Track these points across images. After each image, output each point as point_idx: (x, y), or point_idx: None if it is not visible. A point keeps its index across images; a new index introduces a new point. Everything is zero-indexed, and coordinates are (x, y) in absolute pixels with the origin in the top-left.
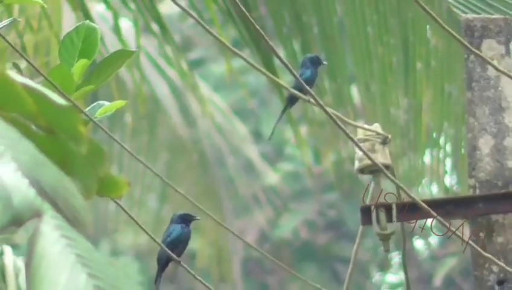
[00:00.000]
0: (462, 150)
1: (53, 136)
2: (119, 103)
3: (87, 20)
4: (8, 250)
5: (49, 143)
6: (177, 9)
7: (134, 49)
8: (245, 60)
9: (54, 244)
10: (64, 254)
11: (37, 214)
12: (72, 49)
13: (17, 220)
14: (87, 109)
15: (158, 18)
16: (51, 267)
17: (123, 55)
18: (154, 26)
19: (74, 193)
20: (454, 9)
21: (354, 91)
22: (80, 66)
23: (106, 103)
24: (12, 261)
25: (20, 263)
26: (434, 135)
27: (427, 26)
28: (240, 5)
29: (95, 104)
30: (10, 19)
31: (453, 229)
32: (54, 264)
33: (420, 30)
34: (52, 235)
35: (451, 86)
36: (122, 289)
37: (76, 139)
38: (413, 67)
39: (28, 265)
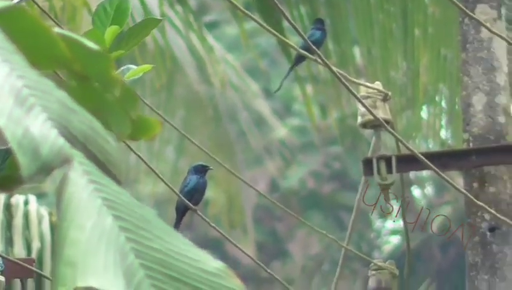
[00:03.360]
0: (457, 107)
1: (87, 82)
2: (145, 67)
3: None
4: (32, 199)
5: (83, 89)
6: None
7: (159, 18)
8: (257, 21)
9: (81, 189)
10: (91, 198)
11: (66, 162)
12: (105, 17)
13: (46, 169)
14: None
15: None
16: (78, 211)
17: (151, 24)
18: None
19: (105, 137)
20: None
21: (357, 53)
22: (111, 31)
23: (134, 67)
24: (36, 209)
25: (44, 211)
26: (430, 93)
27: None
28: None
29: (124, 67)
30: None
31: (453, 183)
32: (81, 208)
33: None
34: (79, 181)
35: (446, 50)
36: (146, 228)
37: (110, 83)
38: (412, 32)
39: (59, 208)
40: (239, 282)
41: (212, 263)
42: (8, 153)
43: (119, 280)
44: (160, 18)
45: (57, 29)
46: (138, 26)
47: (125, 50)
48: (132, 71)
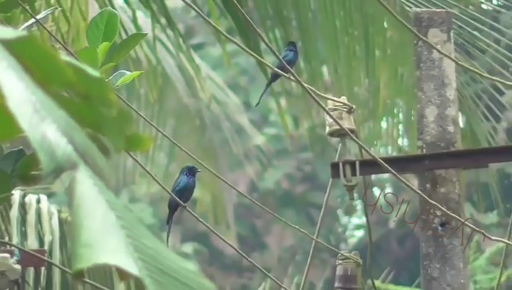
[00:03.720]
0: (412, 118)
1: (88, 102)
2: (135, 73)
3: (109, 7)
4: (44, 198)
5: (85, 108)
6: (181, 3)
7: (145, 33)
8: (237, 44)
9: (89, 188)
10: (98, 195)
11: (74, 166)
12: (97, 31)
13: (59, 170)
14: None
15: (165, 11)
16: (90, 206)
17: (137, 37)
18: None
19: (98, 154)
20: (405, 6)
21: (325, 71)
22: (103, 47)
23: (127, 73)
24: (47, 207)
25: (53, 208)
26: (389, 106)
27: (384, 20)
28: (234, 1)
29: (116, 73)
30: (51, 8)
31: (409, 184)
32: (91, 202)
33: (378, 23)
34: (87, 181)
35: (403, 68)
36: (139, 228)
37: (108, 104)
38: (373, 53)
39: (71, 205)
40: (207, 281)
41: (187, 264)
42: (19, 154)
43: (129, 258)
44: (146, 33)
45: (64, 57)
46: (127, 40)
47: (116, 61)
48: (124, 77)
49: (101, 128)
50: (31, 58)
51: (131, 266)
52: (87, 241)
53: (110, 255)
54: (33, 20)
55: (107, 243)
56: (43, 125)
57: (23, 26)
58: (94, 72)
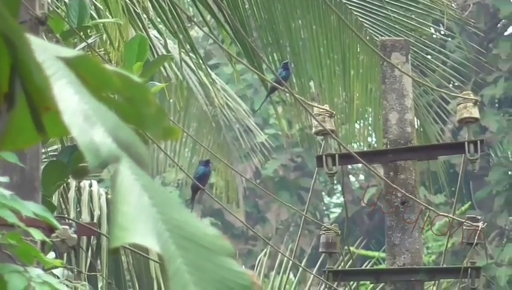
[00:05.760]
0: (379, 121)
1: (132, 103)
2: (163, 85)
3: (140, 33)
4: (94, 183)
5: (129, 108)
6: (201, 32)
7: (170, 54)
8: (244, 64)
9: (127, 178)
10: (134, 184)
11: (116, 160)
12: (131, 53)
13: (104, 164)
14: None
15: (189, 39)
16: (126, 192)
17: (164, 58)
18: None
19: (140, 144)
20: (374, 36)
21: (312, 85)
22: (136, 66)
23: (157, 83)
24: (97, 189)
25: (102, 191)
26: (361, 112)
27: (357, 47)
28: (242, 32)
29: (149, 83)
30: (98, 34)
31: (376, 172)
32: (128, 191)
33: (353, 49)
34: (126, 172)
35: (372, 84)
36: (168, 205)
37: (147, 103)
38: (349, 72)
39: (113, 190)
40: (227, 242)
41: (210, 229)
42: (73, 149)
43: (154, 239)
44: (169, 55)
45: (111, 68)
46: (156, 59)
47: (147, 77)
48: (155, 87)
49: (142, 123)
50: (86, 71)
51: (154, 245)
52: (122, 224)
53: (138, 237)
54: (85, 44)
55: (136, 226)
56: (92, 131)
57: (78, 48)
58: (136, 79)
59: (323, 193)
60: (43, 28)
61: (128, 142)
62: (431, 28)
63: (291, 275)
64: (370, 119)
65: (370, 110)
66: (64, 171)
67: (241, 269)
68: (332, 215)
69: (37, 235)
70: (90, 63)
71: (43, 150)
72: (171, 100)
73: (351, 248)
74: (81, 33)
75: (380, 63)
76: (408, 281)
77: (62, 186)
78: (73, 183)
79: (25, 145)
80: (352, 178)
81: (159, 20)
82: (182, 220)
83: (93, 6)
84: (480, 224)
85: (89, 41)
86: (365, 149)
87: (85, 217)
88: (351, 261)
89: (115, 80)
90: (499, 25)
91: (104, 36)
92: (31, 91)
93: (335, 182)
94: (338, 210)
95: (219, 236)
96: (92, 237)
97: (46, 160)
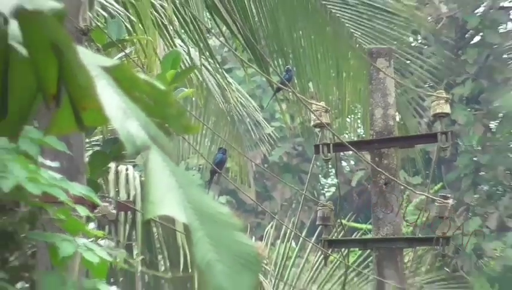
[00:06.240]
0: (367, 116)
1: (157, 104)
2: (190, 91)
3: (175, 49)
4: (130, 167)
5: (155, 108)
6: (218, 42)
7: (197, 66)
8: (254, 68)
9: (158, 163)
10: (164, 168)
11: (148, 148)
12: (167, 64)
13: (138, 151)
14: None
15: (208, 47)
16: (157, 174)
17: (191, 69)
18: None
19: (164, 137)
20: (362, 44)
21: (311, 86)
22: (170, 74)
23: (184, 89)
24: (132, 173)
25: (136, 174)
26: (352, 108)
27: (349, 53)
28: (252, 41)
29: (178, 89)
30: (133, 46)
31: (364, 158)
32: (158, 173)
33: (345, 55)
34: (157, 159)
35: (361, 84)
36: (190, 185)
37: (169, 105)
38: (341, 75)
39: (145, 173)
40: (238, 219)
41: (224, 209)
42: (114, 141)
43: (181, 212)
44: (196, 66)
45: (141, 75)
46: (185, 70)
47: (179, 82)
48: (182, 93)
49: (166, 120)
50: (122, 77)
51: (181, 217)
52: (153, 199)
53: (168, 210)
54: (123, 53)
55: (166, 200)
56: (128, 124)
57: (116, 57)
58: (161, 85)
59: (319, 176)
60: (85, 39)
61: (155, 135)
62: (410, 37)
63: (293, 244)
64: (359, 114)
65: (359, 106)
66: (107, 159)
67: (249, 241)
68: (327, 194)
69: (82, 211)
70: (124, 71)
71: (86, 140)
72: (193, 98)
73: (343, 221)
74: (120, 44)
75: (367, 67)
76: (390, 248)
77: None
78: (112, 167)
79: (65, 132)
80: (344, 163)
81: (182, 31)
82: (201, 200)
83: (127, 19)
84: (450, 201)
85: (127, 51)
86: (355, 139)
87: (122, 196)
88: (342, 232)
89: (143, 85)
90: (467, 35)
91: (137, 46)
92: (73, 94)
93: (330, 166)
94: (332, 190)
95: (231, 214)
96: (129, 212)
97: (89, 148)
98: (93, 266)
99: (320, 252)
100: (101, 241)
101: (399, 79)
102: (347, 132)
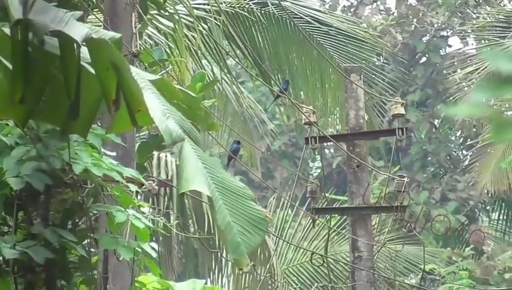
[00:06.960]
0: (344, 116)
1: (190, 108)
2: (214, 100)
3: (202, 70)
4: (169, 154)
5: (189, 111)
6: (233, 61)
7: (217, 79)
8: (260, 81)
9: (189, 151)
10: (193, 154)
11: (182, 139)
12: (196, 79)
13: (174, 142)
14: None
15: (226, 65)
16: (189, 161)
17: (213, 82)
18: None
19: (196, 132)
20: (340, 63)
21: (302, 94)
22: (199, 85)
23: (208, 100)
24: (170, 159)
25: (173, 159)
26: (332, 111)
27: (330, 70)
28: (258, 60)
29: (204, 101)
30: (171, 66)
31: (342, 147)
32: (191, 160)
33: (327, 71)
34: (189, 148)
35: (339, 93)
36: (214, 168)
37: (199, 109)
38: (325, 86)
39: (179, 158)
40: (250, 192)
41: (240, 183)
42: (156, 136)
43: (206, 188)
44: (217, 80)
45: (178, 87)
46: (209, 82)
47: (205, 92)
48: (207, 102)
49: (196, 120)
50: (163, 88)
51: (206, 190)
52: (185, 177)
53: (196, 185)
54: (164, 71)
55: (195, 179)
56: (167, 121)
57: (159, 74)
58: (193, 94)
59: (309, 160)
60: (136, 60)
61: (188, 130)
62: (375, 58)
63: (289, 211)
64: (337, 114)
65: (338, 109)
66: (151, 148)
67: (259, 207)
68: (315, 174)
69: (133, 187)
70: (165, 84)
71: (136, 135)
72: (216, 103)
73: (326, 194)
74: (161, 64)
75: (343, 80)
76: (361, 215)
77: (149, 157)
78: (155, 155)
79: (123, 130)
80: (326, 151)
81: (207, 54)
82: (222, 177)
83: (167, 46)
84: (405, 179)
85: (167, 69)
86: (335, 133)
87: (163, 176)
88: (326, 202)
89: (180, 94)
90: (416, 56)
91: (174, 65)
92: (128, 99)
93: (316, 153)
94: (318, 171)
95: (245, 187)
96: (167, 188)
97: (138, 141)
98: (140, 231)
99: (309, 218)
100: (147, 211)
101: (367, 89)
102: (329, 128)
